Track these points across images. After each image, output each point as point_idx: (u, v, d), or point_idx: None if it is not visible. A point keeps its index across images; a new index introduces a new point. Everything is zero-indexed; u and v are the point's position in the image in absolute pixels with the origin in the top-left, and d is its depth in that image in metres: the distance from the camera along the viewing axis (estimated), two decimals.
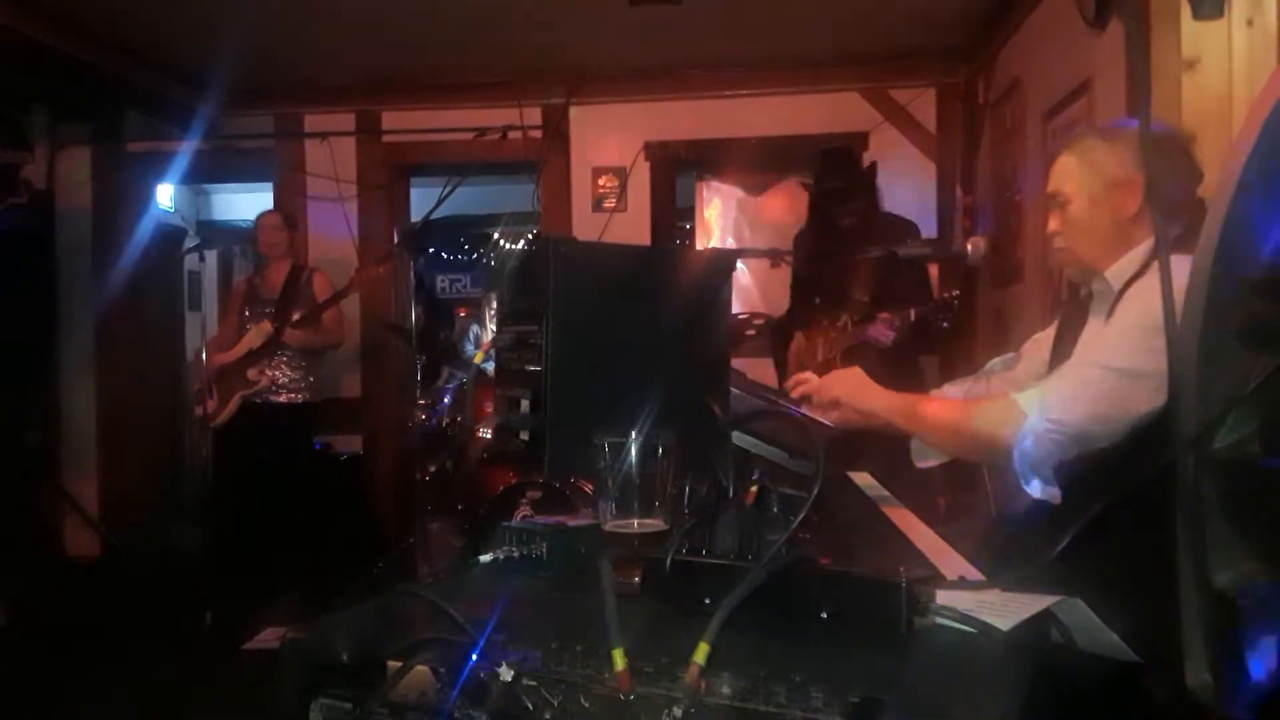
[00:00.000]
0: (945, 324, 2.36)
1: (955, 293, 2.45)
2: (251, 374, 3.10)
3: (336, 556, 2.98)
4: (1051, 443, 1.11)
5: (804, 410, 1.26)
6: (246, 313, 3.21)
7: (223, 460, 3.15)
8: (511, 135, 3.70)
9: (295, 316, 3.11)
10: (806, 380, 1.33)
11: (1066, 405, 1.11)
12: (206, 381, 3.13)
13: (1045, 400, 1.12)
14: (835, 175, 2.74)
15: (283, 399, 3.15)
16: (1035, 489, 1.14)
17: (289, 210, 3.64)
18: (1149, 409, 1.06)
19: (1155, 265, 1.14)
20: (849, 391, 1.27)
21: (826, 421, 1.25)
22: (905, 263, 2.41)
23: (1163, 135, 1.27)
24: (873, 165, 3.08)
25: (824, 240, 2.74)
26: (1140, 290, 1.14)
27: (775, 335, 2.90)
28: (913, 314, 2.31)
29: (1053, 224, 1.26)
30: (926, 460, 1.35)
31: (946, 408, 1.27)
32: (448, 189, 2.86)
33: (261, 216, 3.31)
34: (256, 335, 3.11)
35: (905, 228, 2.77)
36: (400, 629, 0.67)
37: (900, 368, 2.32)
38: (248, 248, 4.70)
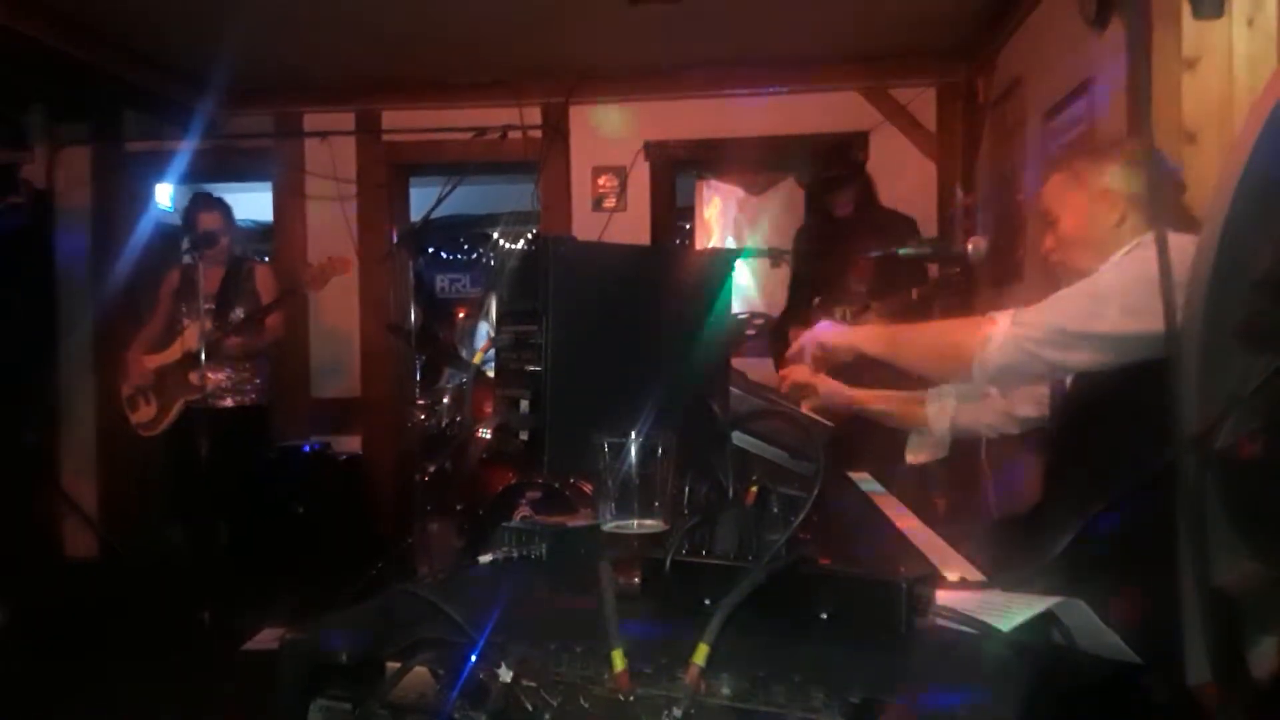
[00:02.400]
0: (948, 303, 2.38)
1: (957, 270, 2.45)
2: (194, 378, 2.81)
3: (335, 557, 2.98)
4: (1017, 349, 1.14)
5: (803, 410, 1.26)
6: (183, 309, 2.95)
7: (171, 469, 2.98)
8: (511, 135, 3.70)
9: (237, 315, 2.87)
10: (792, 372, 1.34)
11: (1034, 313, 1.16)
12: (142, 385, 2.91)
13: (1017, 311, 1.18)
14: (829, 165, 2.80)
15: (229, 403, 2.94)
16: (991, 393, 1.22)
17: (292, 217, 3.49)
18: (1115, 331, 1.11)
19: (1136, 243, 1.20)
20: (829, 336, 1.31)
21: (823, 421, 1.26)
22: (904, 257, 2.41)
23: (1144, 148, 1.33)
24: (863, 159, 3.11)
25: (822, 235, 2.76)
26: (1127, 249, 1.20)
27: (774, 334, 2.91)
28: (915, 293, 2.33)
29: (1047, 242, 1.32)
30: (920, 455, 1.37)
31: (923, 329, 1.33)
32: (448, 189, 2.85)
33: (202, 216, 2.98)
34: (193, 336, 2.81)
35: (904, 224, 2.78)
36: (400, 629, 0.67)
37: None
38: (250, 250, 4.60)
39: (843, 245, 2.63)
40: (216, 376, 2.91)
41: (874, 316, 2.40)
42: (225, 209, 3.07)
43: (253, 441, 3.09)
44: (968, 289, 2.56)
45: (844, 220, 2.71)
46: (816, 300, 2.69)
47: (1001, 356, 1.14)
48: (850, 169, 2.83)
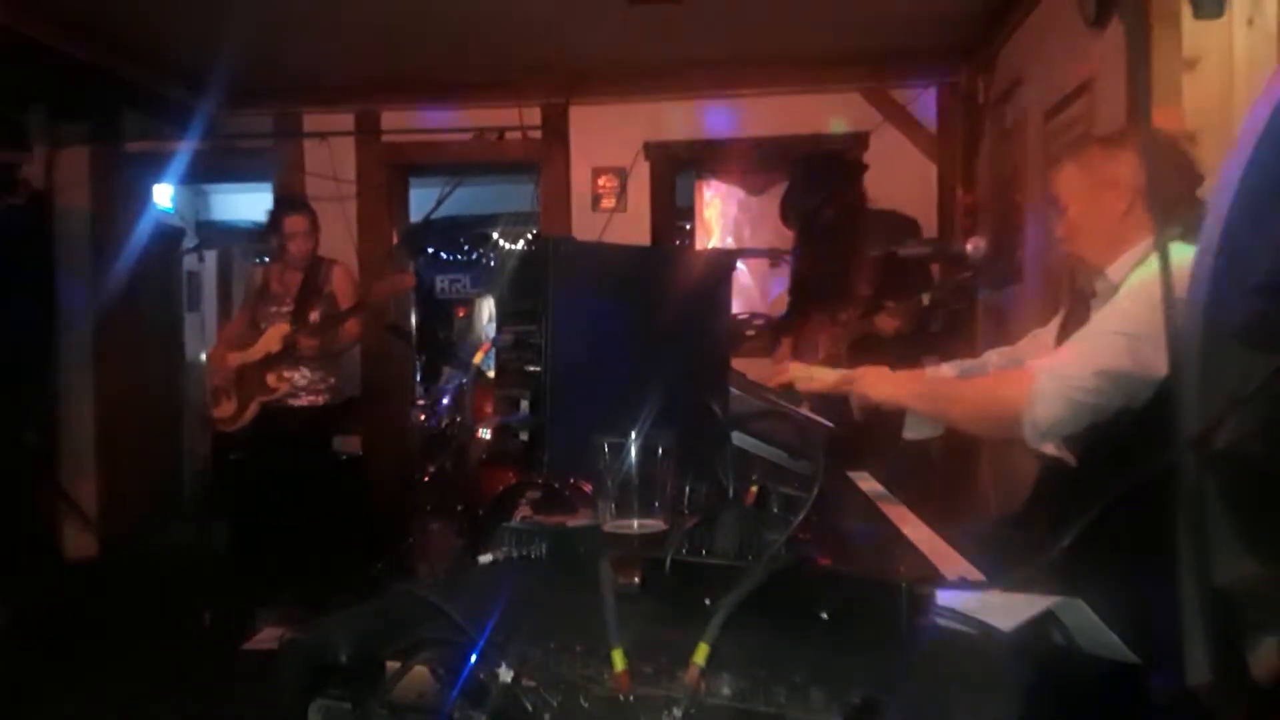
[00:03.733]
0: (959, 307, 2.38)
1: (968, 273, 2.45)
2: (271, 380, 2.94)
3: (336, 556, 2.98)
4: (1065, 401, 1.13)
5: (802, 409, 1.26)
6: (262, 309, 3.03)
7: (237, 465, 3.03)
8: (511, 135, 3.70)
9: (314, 318, 2.94)
10: (785, 370, 1.34)
11: (1072, 362, 1.14)
12: (223, 383, 2.98)
13: (1055, 362, 1.16)
14: (804, 188, 2.69)
15: (303, 402, 3.00)
16: (1049, 449, 1.17)
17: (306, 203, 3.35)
18: (1156, 370, 1.09)
19: (1154, 256, 1.18)
20: (871, 383, 1.30)
21: (822, 420, 1.26)
22: (908, 258, 2.41)
23: (1162, 138, 1.31)
24: (854, 162, 3.08)
25: (814, 242, 2.74)
26: (1141, 274, 1.19)
27: (774, 338, 2.90)
28: (925, 299, 2.32)
29: (1058, 231, 1.31)
30: (917, 433, 1.37)
31: (965, 385, 1.32)
32: (448, 190, 2.85)
33: (289, 220, 3.01)
34: (274, 338, 2.93)
35: (904, 224, 2.76)
36: (400, 629, 0.67)
37: (905, 360, 2.32)
38: (251, 249, 4.59)
39: (839, 248, 2.61)
40: (292, 375, 2.98)
41: (886, 317, 2.40)
42: (310, 212, 3.09)
43: (321, 440, 3.13)
44: (966, 306, 2.55)
45: (829, 224, 2.67)
46: (817, 299, 2.68)
47: (1051, 412, 1.13)
48: (831, 180, 2.70)
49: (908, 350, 2.49)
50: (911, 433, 1.38)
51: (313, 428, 3.05)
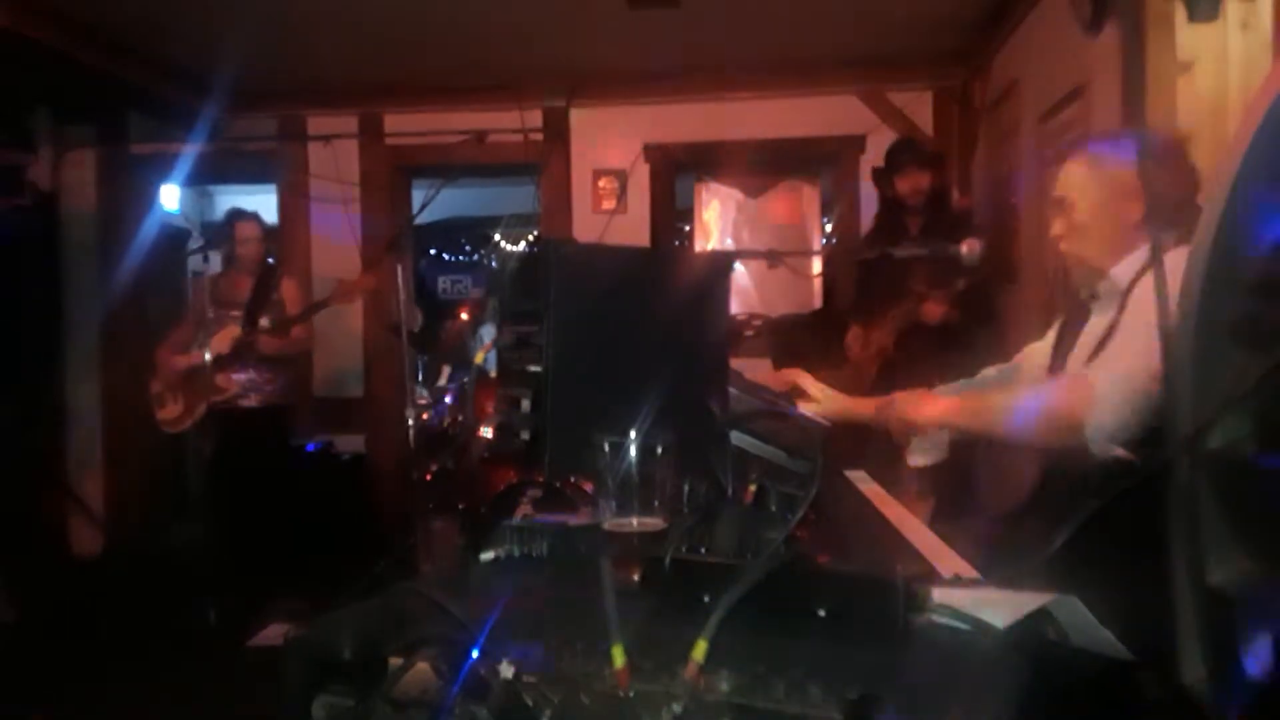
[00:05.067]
0: (993, 291, 2.39)
1: (922, 252, 2.44)
2: (221, 380, 2.97)
3: (338, 555, 2.98)
4: (1129, 404, 1.10)
5: (800, 409, 1.27)
6: (210, 314, 3.07)
7: (189, 466, 3.09)
8: (513, 137, 3.71)
9: (263, 323, 2.98)
10: (791, 374, 1.34)
11: (1134, 364, 1.11)
12: (169, 384, 3.01)
13: (1111, 369, 1.13)
14: (900, 149, 2.79)
15: (251, 402, 3.03)
16: (1119, 452, 1.13)
17: (298, 219, 3.54)
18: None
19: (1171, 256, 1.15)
20: (913, 406, 1.27)
21: (820, 420, 1.26)
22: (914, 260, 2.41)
23: (1166, 141, 1.30)
24: (942, 153, 3.09)
25: (895, 226, 2.76)
26: (1149, 279, 1.16)
27: (829, 330, 2.93)
28: (961, 283, 2.33)
29: (1057, 227, 1.28)
30: (921, 459, 1.36)
31: (1008, 398, 1.27)
32: (433, 192, 2.85)
33: (240, 226, 3.13)
34: (225, 340, 2.96)
35: (973, 218, 2.79)
36: (402, 626, 0.67)
37: (953, 346, 2.35)
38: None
39: (910, 243, 2.58)
40: (239, 378, 3.02)
41: (931, 305, 2.43)
42: (260, 221, 3.20)
43: (271, 439, 3.15)
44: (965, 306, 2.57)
45: (914, 213, 2.70)
46: (878, 293, 2.67)
47: (1118, 415, 1.11)
48: (924, 156, 2.80)
49: (957, 333, 2.51)
50: (919, 459, 1.37)
51: (264, 425, 3.07)
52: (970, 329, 2.56)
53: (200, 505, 3.24)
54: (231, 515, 3.00)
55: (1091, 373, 1.16)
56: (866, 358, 2.67)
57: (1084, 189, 1.24)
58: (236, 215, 3.21)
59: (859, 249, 2.49)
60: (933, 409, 1.27)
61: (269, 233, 3.22)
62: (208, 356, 2.98)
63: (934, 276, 2.48)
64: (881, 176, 2.86)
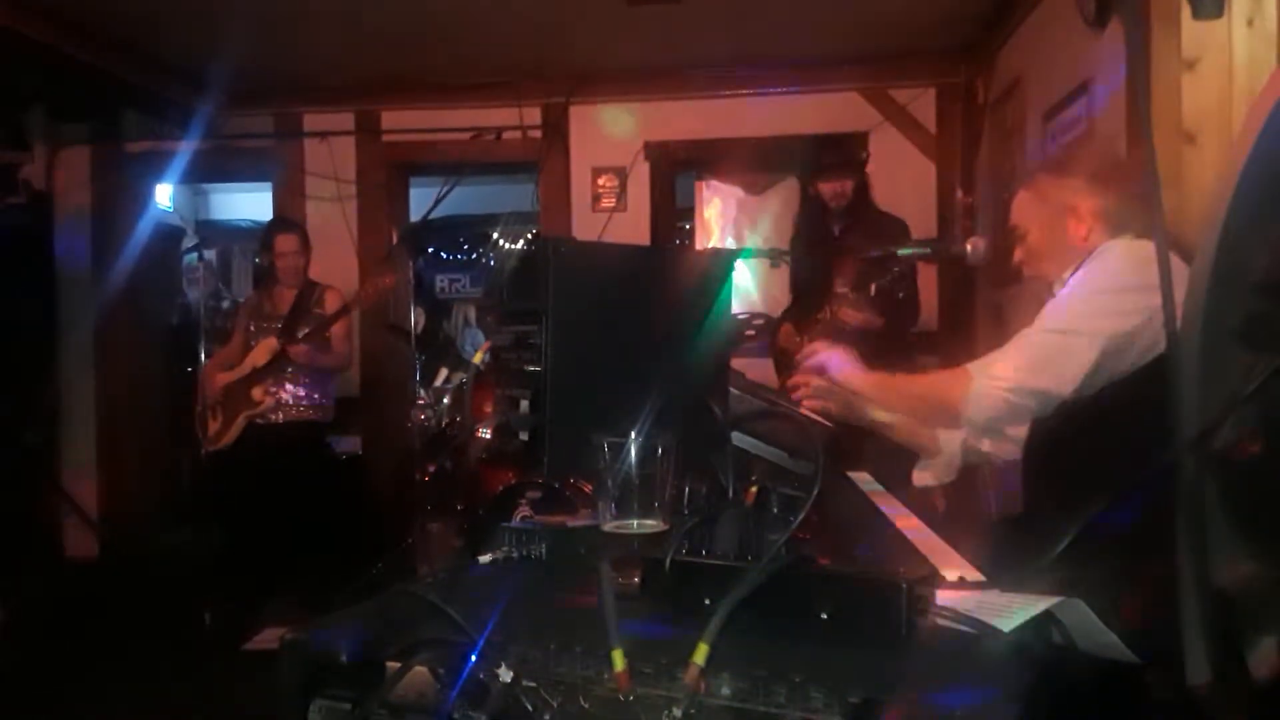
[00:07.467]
0: (901, 294, 2.43)
1: (926, 250, 2.45)
2: (257, 394, 2.91)
3: (336, 556, 2.98)
4: (1001, 401, 1.20)
5: (802, 410, 1.26)
6: (251, 328, 3.03)
7: (226, 483, 3.00)
8: (511, 135, 3.70)
9: (302, 333, 2.94)
10: (810, 379, 1.35)
11: (1006, 364, 1.21)
12: (210, 402, 2.98)
13: (989, 364, 1.23)
14: (827, 154, 2.86)
15: (290, 417, 2.98)
16: (985, 445, 1.26)
17: (295, 218, 3.42)
18: (1088, 363, 1.15)
19: (1095, 251, 1.24)
20: (837, 363, 1.35)
21: (824, 420, 1.26)
22: (890, 256, 2.42)
23: (1119, 164, 1.38)
24: (865, 157, 3.13)
25: (816, 228, 2.78)
26: (1077, 273, 1.25)
27: (773, 333, 2.92)
28: (873, 288, 2.35)
29: (1017, 255, 1.36)
30: (927, 478, 1.38)
31: (911, 381, 1.38)
32: (445, 189, 2.85)
33: (279, 239, 3.02)
34: (262, 352, 2.92)
35: (897, 226, 2.78)
36: (400, 629, 0.67)
37: (881, 352, 2.34)
38: (248, 249, 4.58)
39: (835, 244, 2.64)
40: (278, 391, 2.96)
41: (848, 310, 2.44)
42: (302, 233, 3.10)
43: (309, 454, 3.07)
44: (966, 306, 2.57)
45: (837, 217, 2.72)
46: (810, 294, 2.70)
47: (985, 411, 1.21)
48: (847, 160, 2.85)
49: (884, 338, 2.51)
50: (920, 478, 1.39)
51: (300, 441, 3.00)
52: (894, 334, 2.57)
53: (199, 507, 3.20)
54: (230, 516, 2.98)
55: (974, 368, 1.25)
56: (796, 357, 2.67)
57: (1031, 216, 1.33)
58: (276, 226, 3.12)
59: (861, 247, 2.47)
60: (851, 371, 1.34)
61: (307, 243, 3.06)
62: (246, 371, 2.93)
63: (855, 279, 2.48)
64: (805, 178, 2.90)
